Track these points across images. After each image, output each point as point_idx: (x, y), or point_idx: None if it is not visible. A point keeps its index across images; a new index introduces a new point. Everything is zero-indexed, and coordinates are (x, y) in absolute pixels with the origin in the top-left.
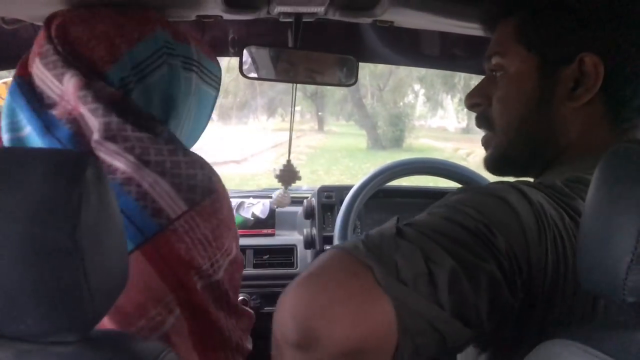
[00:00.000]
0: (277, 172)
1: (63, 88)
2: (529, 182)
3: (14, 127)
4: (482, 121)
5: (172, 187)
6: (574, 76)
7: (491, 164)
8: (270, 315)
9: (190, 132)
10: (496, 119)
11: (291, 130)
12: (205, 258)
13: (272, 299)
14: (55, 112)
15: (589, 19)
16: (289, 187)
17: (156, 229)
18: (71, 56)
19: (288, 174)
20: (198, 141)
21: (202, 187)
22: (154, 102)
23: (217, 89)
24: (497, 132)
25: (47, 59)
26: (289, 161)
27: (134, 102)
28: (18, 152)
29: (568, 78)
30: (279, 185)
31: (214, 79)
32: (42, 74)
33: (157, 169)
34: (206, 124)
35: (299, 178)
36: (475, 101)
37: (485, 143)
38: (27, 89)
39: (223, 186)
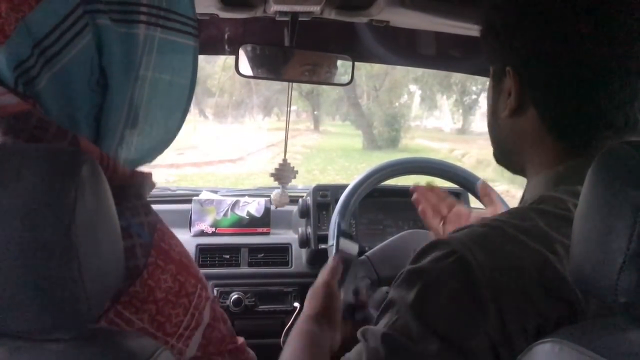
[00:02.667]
0: (272, 171)
1: None
2: (483, 235)
3: None
4: None
5: None
6: (509, 88)
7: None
8: (264, 313)
9: (155, 106)
10: None
11: (287, 128)
12: None
13: (266, 297)
14: None
15: (503, 35)
16: (287, 186)
17: None
18: None
19: (284, 172)
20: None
21: (128, 267)
22: (74, 90)
23: (194, 35)
24: None
25: None
26: (285, 160)
27: (39, 108)
28: (12, 148)
29: (504, 90)
30: (275, 184)
31: (186, 22)
32: None
33: None
34: (187, 92)
35: (296, 172)
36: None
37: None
38: None
39: (164, 237)
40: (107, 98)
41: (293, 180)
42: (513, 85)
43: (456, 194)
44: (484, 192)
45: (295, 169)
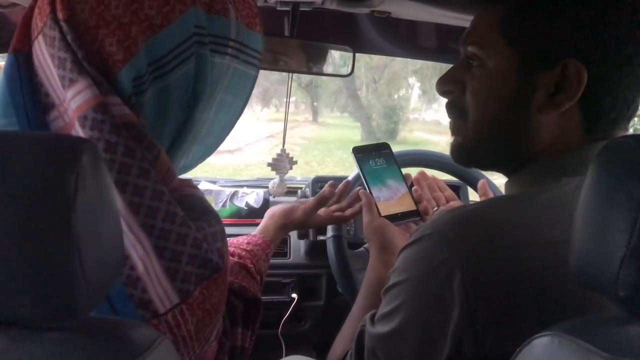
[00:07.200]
0: (270, 161)
1: (64, 96)
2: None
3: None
4: (454, 110)
5: (166, 274)
6: (555, 82)
7: (457, 154)
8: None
9: (215, 122)
10: (470, 112)
11: (286, 118)
12: (183, 355)
13: (264, 288)
14: (50, 117)
15: (580, 23)
16: (284, 176)
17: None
18: (82, 50)
19: (281, 162)
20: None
21: (197, 274)
22: (168, 107)
23: (257, 66)
24: (469, 125)
25: (53, 48)
26: (283, 150)
27: (142, 122)
28: (12, 135)
29: (549, 83)
30: (275, 175)
31: (255, 55)
32: (44, 62)
33: (159, 243)
34: (240, 112)
35: (295, 162)
36: (447, 88)
37: (454, 129)
38: (25, 70)
39: (225, 263)
40: (191, 116)
41: (291, 172)
42: (579, 81)
43: (455, 187)
44: (483, 192)
45: (294, 159)
